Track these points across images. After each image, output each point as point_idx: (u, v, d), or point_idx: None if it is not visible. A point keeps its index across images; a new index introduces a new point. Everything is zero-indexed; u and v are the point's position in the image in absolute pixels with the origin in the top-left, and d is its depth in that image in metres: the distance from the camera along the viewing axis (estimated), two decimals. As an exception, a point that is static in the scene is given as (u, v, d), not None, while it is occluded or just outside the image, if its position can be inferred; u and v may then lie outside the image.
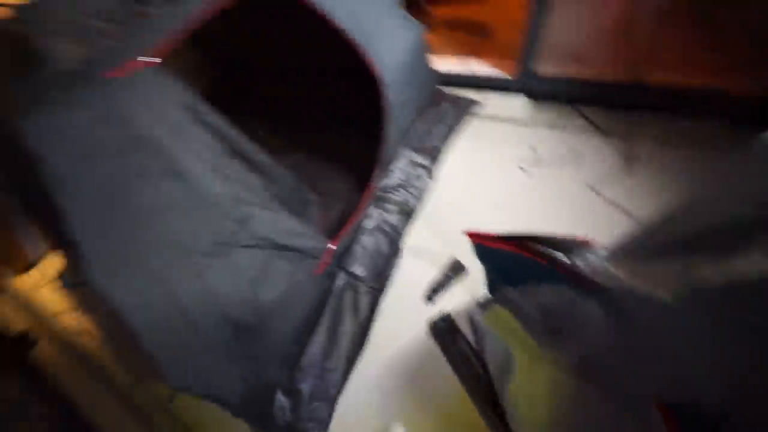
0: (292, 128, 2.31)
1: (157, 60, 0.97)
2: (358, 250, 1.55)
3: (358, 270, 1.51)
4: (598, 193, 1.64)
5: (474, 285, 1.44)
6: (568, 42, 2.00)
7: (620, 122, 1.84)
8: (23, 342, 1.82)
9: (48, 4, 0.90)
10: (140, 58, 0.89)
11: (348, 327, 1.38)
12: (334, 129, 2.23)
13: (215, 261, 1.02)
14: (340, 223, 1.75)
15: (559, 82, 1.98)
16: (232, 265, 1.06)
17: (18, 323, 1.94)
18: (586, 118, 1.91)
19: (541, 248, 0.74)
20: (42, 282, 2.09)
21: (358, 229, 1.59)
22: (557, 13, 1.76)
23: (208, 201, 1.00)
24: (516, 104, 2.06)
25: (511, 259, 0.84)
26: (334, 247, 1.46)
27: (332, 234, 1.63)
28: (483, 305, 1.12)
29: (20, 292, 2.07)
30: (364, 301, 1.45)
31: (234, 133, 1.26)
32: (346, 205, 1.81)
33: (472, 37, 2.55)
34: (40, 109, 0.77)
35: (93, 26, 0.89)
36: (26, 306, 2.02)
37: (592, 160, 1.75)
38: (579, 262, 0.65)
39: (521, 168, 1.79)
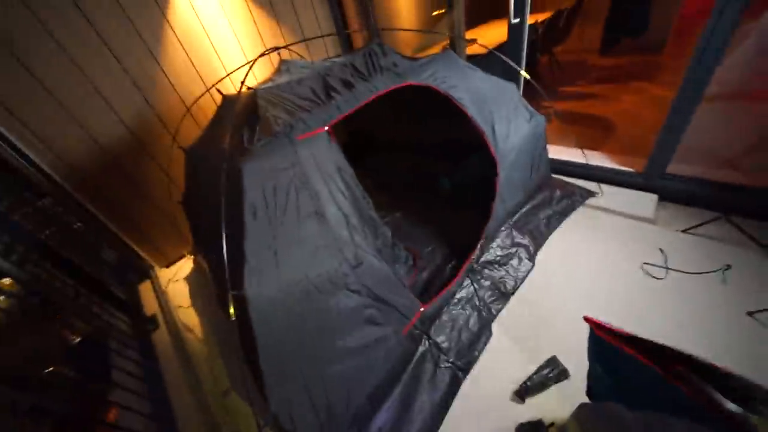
0: (395, 189, 2.56)
1: (328, 129, 1.26)
2: (445, 319, 1.51)
3: (443, 341, 1.45)
4: (755, 318, 1.29)
5: (575, 392, 1.21)
6: (718, 144, 1.82)
7: None
8: (151, 323, 2.22)
9: (274, 89, 1.30)
10: (322, 128, 1.20)
11: (424, 401, 1.29)
12: (436, 196, 2.38)
13: (325, 297, 1.14)
14: (427, 286, 1.76)
15: (702, 185, 1.76)
16: (337, 304, 1.16)
17: (151, 306, 2.39)
18: (740, 229, 1.61)
19: (695, 378, 0.60)
20: (176, 278, 2.59)
21: (450, 298, 1.57)
22: (706, 113, 1.65)
23: (336, 242, 1.16)
24: (640, 201, 1.88)
25: (640, 373, 0.68)
26: (423, 310, 1.46)
27: (418, 295, 1.65)
28: (583, 419, 0.92)
29: (160, 281, 2.59)
30: (444, 377, 1.36)
31: (360, 189, 1.47)
32: (436, 270, 1.83)
33: (592, 130, 2.55)
34: (253, 155, 1.08)
35: (298, 104, 1.25)
36: (161, 294, 2.49)
37: (747, 278, 1.43)
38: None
39: (645, 270, 1.57)
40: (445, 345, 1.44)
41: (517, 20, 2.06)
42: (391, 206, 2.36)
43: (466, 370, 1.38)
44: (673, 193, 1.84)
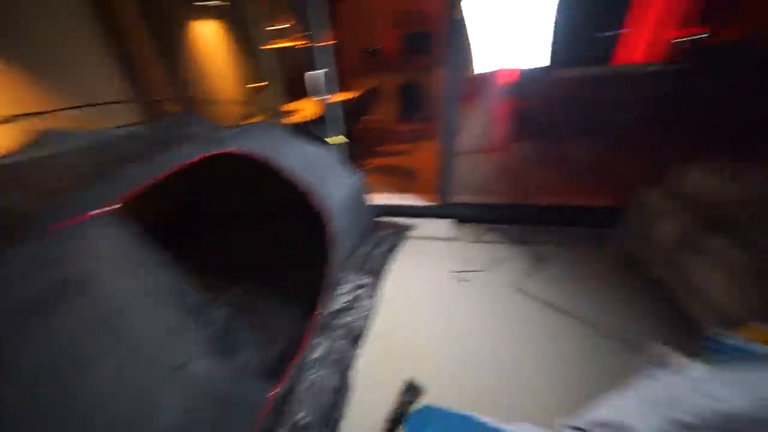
0: (230, 264, 2.29)
1: (116, 207, 1.02)
2: (303, 389, 1.37)
3: (303, 417, 1.29)
4: (521, 290, 1.84)
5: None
6: (474, 179, 2.59)
7: (526, 233, 2.25)
8: None
9: (17, 166, 0.97)
10: (105, 208, 0.94)
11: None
12: (274, 262, 2.27)
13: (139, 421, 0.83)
14: (283, 360, 1.58)
15: (475, 207, 2.45)
16: (159, 423, 0.86)
17: None
18: (501, 233, 2.29)
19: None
20: None
21: (303, 365, 1.45)
22: (462, 160, 2.34)
23: (141, 352, 0.89)
24: (444, 226, 2.41)
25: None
26: (275, 392, 1.28)
27: (273, 375, 1.45)
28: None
29: None
30: (311, 459, 1.19)
31: (173, 274, 1.24)
32: (289, 339, 1.68)
33: (403, 178, 3.16)
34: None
35: (60, 184, 0.95)
36: None
37: (511, 264, 2.04)
38: None
39: (457, 277, 1.96)
40: (307, 420, 1.28)
41: (324, 97, 2.41)
42: (229, 283, 2.09)
43: (332, 438, 1.26)
44: (463, 215, 2.45)
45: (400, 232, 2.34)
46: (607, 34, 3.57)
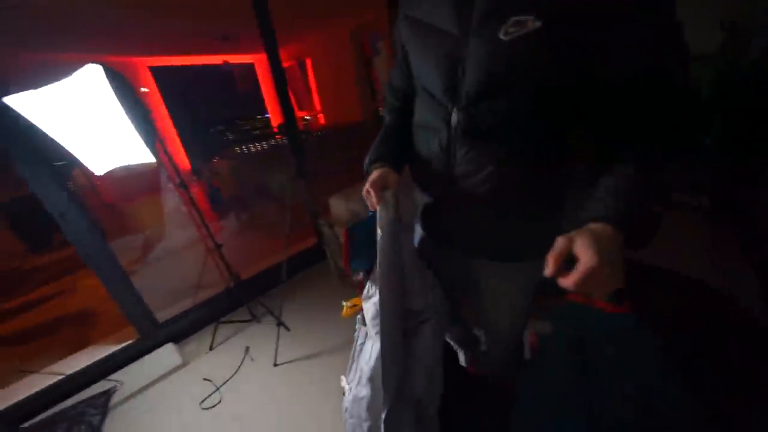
0: None
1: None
2: None
3: None
4: (279, 366, 1.80)
5: None
6: (180, 281, 2.26)
7: (256, 308, 2.21)
8: None
9: None
10: None
11: None
12: None
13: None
14: None
15: (191, 313, 2.13)
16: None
17: None
18: (234, 323, 2.16)
19: None
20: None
21: None
22: (142, 275, 1.95)
23: None
24: (164, 356, 1.92)
25: None
26: None
27: None
28: None
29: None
30: None
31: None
32: None
33: (62, 331, 2.19)
34: None
35: None
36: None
37: (257, 346, 1.94)
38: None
39: (205, 407, 1.63)
40: None
41: None
42: None
43: None
44: (180, 331, 2.08)
45: (92, 410, 1.61)
46: (260, 116, 6.77)
